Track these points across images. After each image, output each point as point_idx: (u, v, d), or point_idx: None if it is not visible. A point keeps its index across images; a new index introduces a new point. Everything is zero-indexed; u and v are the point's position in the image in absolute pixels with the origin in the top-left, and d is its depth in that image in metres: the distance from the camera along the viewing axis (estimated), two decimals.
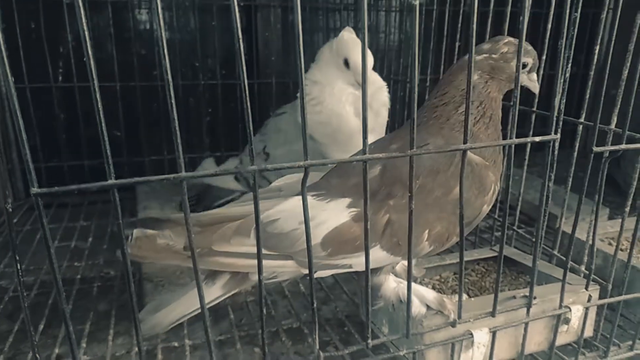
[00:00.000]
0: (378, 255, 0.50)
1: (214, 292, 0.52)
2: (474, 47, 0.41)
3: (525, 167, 0.75)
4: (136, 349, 0.62)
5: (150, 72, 1.17)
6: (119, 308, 0.71)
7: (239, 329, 0.68)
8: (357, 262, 0.49)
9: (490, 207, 0.54)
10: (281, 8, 1.25)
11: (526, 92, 0.54)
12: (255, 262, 0.41)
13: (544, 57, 0.67)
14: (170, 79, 0.32)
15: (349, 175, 0.52)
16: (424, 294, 0.54)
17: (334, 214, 0.50)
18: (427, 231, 0.50)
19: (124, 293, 0.76)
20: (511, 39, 0.54)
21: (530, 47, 0.54)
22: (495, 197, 0.54)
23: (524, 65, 0.54)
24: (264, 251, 0.49)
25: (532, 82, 0.56)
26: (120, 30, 1.14)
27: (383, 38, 1.27)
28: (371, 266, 0.51)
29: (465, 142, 0.43)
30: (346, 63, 0.78)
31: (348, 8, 1.27)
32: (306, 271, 0.46)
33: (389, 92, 1.17)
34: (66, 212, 1.05)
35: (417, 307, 0.53)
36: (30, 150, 0.32)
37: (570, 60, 0.57)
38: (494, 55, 0.53)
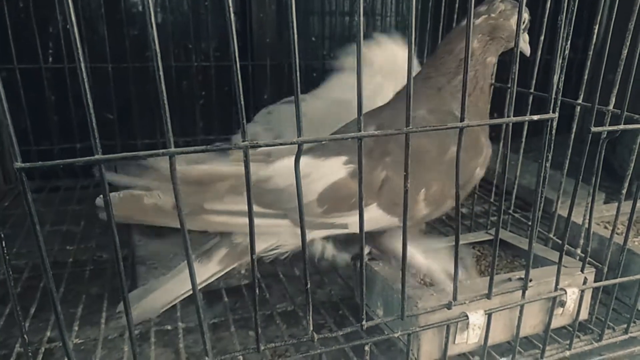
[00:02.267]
0: (375, 214, 0.49)
1: (211, 269, 0.50)
2: (472, 18, 0.40)
3: (522, 152, 0.74)
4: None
5: (143, 53, 1.14)
6: (111, 291, 0.71)
7: (233, 313, 0.67)
8: (353, 222, 0.49)
9: (483, 171, 0.54)
10: None
11: (522, 75, 0.54)
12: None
13: (542, 38, 0.67)
14: (156, 36, 0.31)
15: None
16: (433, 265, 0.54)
17: (330, 170, 0.49)
18: (423, 190, 0.49)
19: (117, 276, 0.75)
20: None
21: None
22: (487, 161, 0.54)
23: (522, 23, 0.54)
24: (258, 209, 0.48)
25: (525, 43, 0.56)
26: (112, 11, 1.12)
27: (379, 21, 1.25)
28: (369, 226, 0.51)
29: (462, 120, 0.42)
30: None
31: None
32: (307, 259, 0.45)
33: None
34: (57, 196, 1.04)
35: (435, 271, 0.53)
36: (20, 132, 0.31)
37: (570, 38, 0.56)
38: (492, 15, 0.53)
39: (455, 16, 0.85)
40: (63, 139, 1.10)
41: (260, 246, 0.49)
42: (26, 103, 1.03)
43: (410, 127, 0.40)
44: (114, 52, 1.10)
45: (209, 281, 0.50)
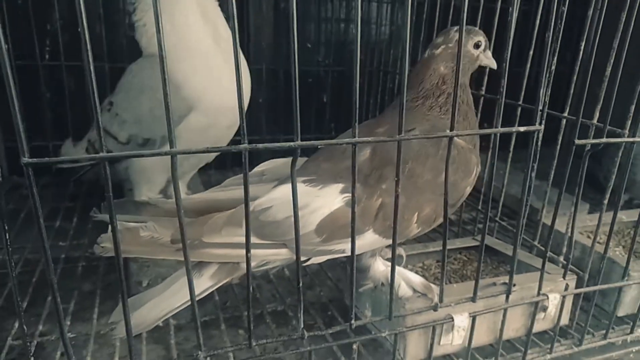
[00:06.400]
0: (371, 238, 0.51)
1: (203, 284, 0.50)
2: (462, 39, 0.42)
3: (509, 161, 0.77)
4: None
5: (140, 53, 1.15)
6: (103, 288, 0.72)
7: (223, 311, 0.68)
8: (350, 247, 0.50)
9: (471, 188, 0.56)
10: None
11: (512, 87, 0.56)
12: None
13: (531, 53, 0.69)
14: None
15: (338, 158, 0.52)
16: (410, 278, 0.55)
17: (327, 200, 0.50)
18: (416, 214, 0.51)
19: (109, 273, 0.76)
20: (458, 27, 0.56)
21: (477, 28, 0.58)
22: (475, 179, 0.56)
23: (478, 45, 0.58)
24: (257, 240, 0.49)
25: (489, 59, 0.59)
26: (110, 11, 1.13)
27: (374, 29, 1.27)
28: (364, 249, 0.53)
29: (452, 129, 0.44)
30: None
31: None
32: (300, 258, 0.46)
33: (379, 83, 1.18)
34: (50, 192, 1.04)
35: (403, 290, 0.54)
36: (14, 127, 0.32)
37: (557, 54, 0.58)
38: (450, 45, 0.55)
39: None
40: (57, 135, 1.10)
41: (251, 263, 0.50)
42: (22, 99, 1.04)
43: (403, 134, 0.42)
44: (111, 51, 1.11)
45: (202, 296, 0.50)
